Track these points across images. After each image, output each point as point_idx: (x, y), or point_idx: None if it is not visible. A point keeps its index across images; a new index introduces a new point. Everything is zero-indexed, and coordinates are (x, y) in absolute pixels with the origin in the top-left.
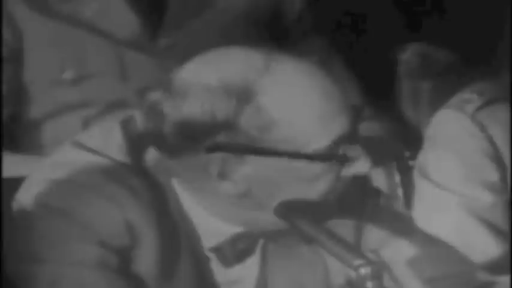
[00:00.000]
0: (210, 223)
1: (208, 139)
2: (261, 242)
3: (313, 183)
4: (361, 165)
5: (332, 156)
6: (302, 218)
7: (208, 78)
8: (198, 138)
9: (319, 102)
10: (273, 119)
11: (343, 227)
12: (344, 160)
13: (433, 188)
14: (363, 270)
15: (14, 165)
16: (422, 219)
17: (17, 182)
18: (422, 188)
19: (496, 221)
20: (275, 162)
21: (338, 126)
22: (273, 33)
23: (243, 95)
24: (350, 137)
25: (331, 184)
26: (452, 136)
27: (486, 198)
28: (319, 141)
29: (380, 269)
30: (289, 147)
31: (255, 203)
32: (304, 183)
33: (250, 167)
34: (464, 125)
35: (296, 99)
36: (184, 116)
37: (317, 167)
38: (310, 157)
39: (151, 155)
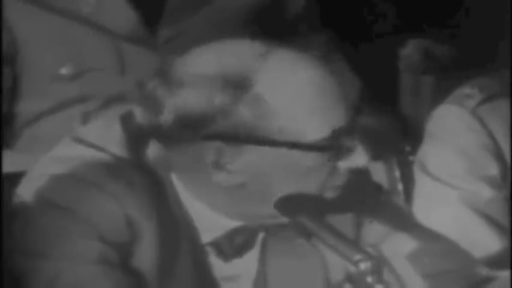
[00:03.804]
0: (208, 217)
1: (206, 128)
2: (260, 235)
3: (307, 177)
4: (358, 158)
5: (328, 147)
6: (303, 213)
7: (205, 67)
8: (195, 128)
9: (316, 94)
10: (270, 108)
11: (343, 222)
12: (340, 151)
13: (433, 183)
14: (363, 265)
15: (13, 161)
16: (422, 214)
17: (17, 178)
18: (422, 182)
19: (496, 215)
20: (270, 153)
21: (335, 118)
22: (274, 28)
23: (241, 84)
24: (347, 131)
25: (327, 178)
26: (452, 131)
27: (486, 193)
28: (316, 133)
29: (380, 264)
30: (286, 138)
31: (250, 196)
32: (298, 176)
33: (245, 158)
34: (465, 119)
35: (293, 90)
36: (182, 105)
37: (310, 160)
38: (306, 147)
39: (152, 149)
